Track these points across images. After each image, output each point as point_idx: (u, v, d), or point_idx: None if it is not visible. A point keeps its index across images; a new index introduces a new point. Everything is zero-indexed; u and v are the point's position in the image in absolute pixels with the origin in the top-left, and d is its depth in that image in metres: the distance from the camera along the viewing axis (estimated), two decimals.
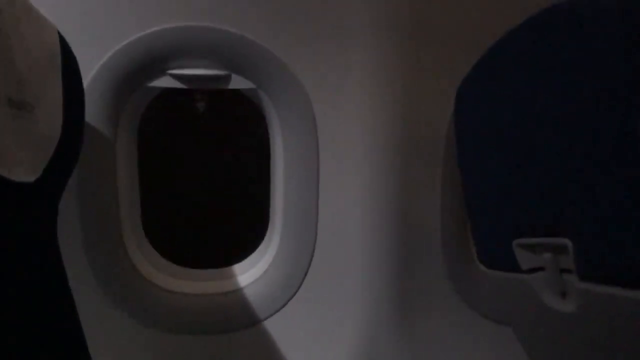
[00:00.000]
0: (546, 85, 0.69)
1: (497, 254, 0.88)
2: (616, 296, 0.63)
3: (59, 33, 0.84)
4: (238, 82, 1.13)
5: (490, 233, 0.90)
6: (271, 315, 1.16)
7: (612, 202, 0.60)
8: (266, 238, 1.24)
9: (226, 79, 1.12)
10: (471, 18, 1.13)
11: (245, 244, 1.29)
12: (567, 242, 0.68)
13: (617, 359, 0.68)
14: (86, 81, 1.03)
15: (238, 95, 1.19)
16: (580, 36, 0.62)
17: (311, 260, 1.16)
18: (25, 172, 0.71)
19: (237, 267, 1.23)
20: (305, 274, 1.16)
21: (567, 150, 0.66)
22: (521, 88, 0.74)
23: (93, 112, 1.06)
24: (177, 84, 1.12)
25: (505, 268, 0.87)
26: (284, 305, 1.16)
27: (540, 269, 0.78)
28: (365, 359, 1.17)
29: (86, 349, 0.84)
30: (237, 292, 1.17)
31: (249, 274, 1.20)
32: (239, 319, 1.17)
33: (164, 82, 1.12)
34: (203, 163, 1.71)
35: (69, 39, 0.87)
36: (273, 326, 1.17)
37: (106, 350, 0.94)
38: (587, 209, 0.64)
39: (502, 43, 0.78)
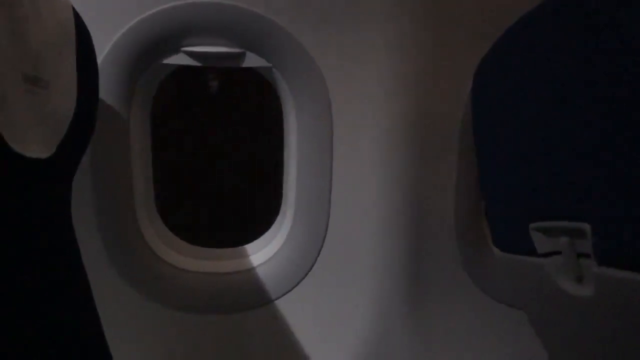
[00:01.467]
0: (565, 67, 0.68)
1: (513, 237, 0.88)
2: (635, 281, 0.62)
3: (73, 9, 0.83)
4: (252, 61, 1.12)
5: (506, 216, 0.89)
6: (283, 294, 1.17)
7: (634, 186, 0.59)
8: (279, 217, 1.24)
9: (240, 57, 1.11)
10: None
11: (257, 223, 1.29)
12: (585, 226, 0.68)
13: (633, 345, 0.68)
14: (100, 58, 1.03)
15: (251, 73, 1.18)
16: (601, 18, 0.61)
17: (324, 240, 1.16)
18: (40, 148, 0.71)
19: (249, 247, 1.23)
20: (318, 254, 1.16)
21: (588, 133, 0.65)
22: (540, 69, 0.73)
23: (107, 89, 1.05)
24: (191, 62, 1.11)
25: (521, 252, 0.86)
26: (295, 285, 1.17)
27: (557, 253, 0.77)
28: (376, 342, 1.17)
29: (100, 327, 0.85)
30: (249, 272, 1.17)
31: (262, 253, 1.20)
32: (250, 298, 1.17)
33: (177, 59, 1.11)
34: (216, 141, 1.71)
35: (83, 15, 0.86)
36: (285, 306, 1.17)
37: (119, 328, 0.94)
38: (608, 193, 0.63)
39: (522, 23, 0.77)
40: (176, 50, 1.10)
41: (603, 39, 0.60)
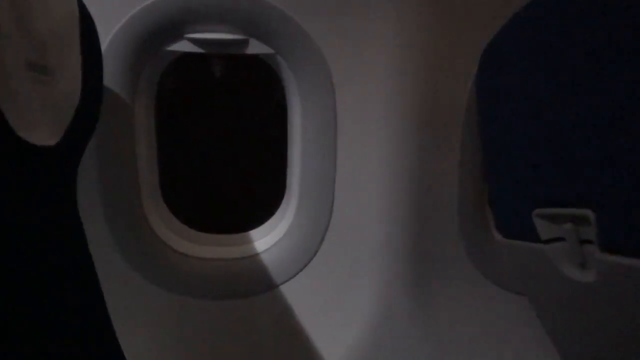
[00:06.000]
0: (574, 54, 0.68)
1: (516, 223, 0.88)
2: (637, 268, 0.63)
3: None
4: (256, 47, 1.12)
5: (509, 202, 0.90)
6: (288, 279, 1.17)
7: (638, 174, 0.59)
8: (283, 203, 1.24)
9: (244, 43, 1.11)
10: None
11: (262, 209, 1.29)
12: (589, 213, 0.68)
13: (635, 330, 0.68)
14: (104, 45, 1.03)
15: (255, 60, 1.17)
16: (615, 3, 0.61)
17: (328, 225, 1.16)
18: (46, 136, 0.71)
19: (254, 233, 1.23)
20: (322, 239, 1.17)
21: (593, 121, 0.65)
22: (548, 56, 0.73)
23: (111, 76, 1.05)
24: (195, 48, 1.11)
25: (524, 238, 0.87)
26: (300, 270, 1.17)
27: (560, 239, 0.78)
28: (381, 326, 1.18)
29: (107, 313, 0.86)
30: (254, 257, 1.18)
31: (266, 239, 1.21)
32: (256, 284, 1.18)
33: (181, 46, 1.11)
34: (220, 128, 1.70)
35: (86, 3, 0.86)
36: (290, 291, 1.18)
37: (125, 313, 0.95)
38: (612, 180, 0.63)
39: (530, 8, 0.77)
40: (179, 37, 1.10)
41: (613, 24, 0.60)
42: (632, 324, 0.68)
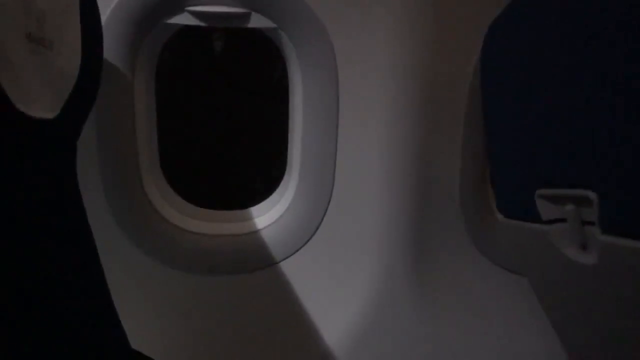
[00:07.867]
0: (579, 34, 0.67)
1: (518, 203, 0.88)
2: (638, 249, 0.63)
3: None
4: (258, 21, 1.10)
5: (512, 182, 0.89)
6: (288, 257, 1.18)
7: None
8: (284, 180, 1.24)
9: (246, 17, 1.10)
10: None
11: (263, 185, 1.29)
12: (591, 194, 0.68)
13: (635, 312, 0.68)
14: (104, 17, 1.02)
15: (256, 34, 1.16)
16: None
17: (329, 203, 1.16)
18: (45, 109, 0.70)
19: (254, 209, 1.23)
20: (323, 217, 1.17)
21: (597, 102, 0.64)
22: (552, 35, 0.72)
23: (111, 49, 1.04)
24: (195, 21, 1.10)
25: (525, 218, 0.87)
26: (300, 248, 1.17)
27: (561, 220, 0.78)
28: (380, 304, 1.18)
29: (106, 287, 0.86)
30: (255, 234, 1.18)
31: (267, 215, 1.21)
32: (256, 260, 1.18)
33: (182, 19, 1.09)
34: (220, 103, 1.70)
35: None
36: (290, 268, 1.18)
37: (125, 289, 0.95)
38: (615, 162, 0.63)
39: None
40: (180, 10, 1.08)
41: (622, 7, 0.59)
42: (632, 306, 0.68)
